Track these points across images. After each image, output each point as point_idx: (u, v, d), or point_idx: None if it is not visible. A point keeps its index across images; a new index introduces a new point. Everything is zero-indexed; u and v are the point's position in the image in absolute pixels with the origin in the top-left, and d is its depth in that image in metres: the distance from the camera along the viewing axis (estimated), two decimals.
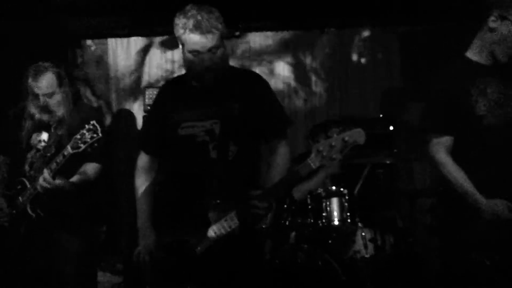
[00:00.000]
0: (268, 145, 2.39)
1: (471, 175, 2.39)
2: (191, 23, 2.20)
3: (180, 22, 2.24)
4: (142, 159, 2.51)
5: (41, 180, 2.80)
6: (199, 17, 2.20)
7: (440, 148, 2.43)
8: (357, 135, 2.00)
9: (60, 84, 3.00)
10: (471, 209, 2.36)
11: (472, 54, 2.50)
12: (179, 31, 2.26)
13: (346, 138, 1.99)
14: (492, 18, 2.40)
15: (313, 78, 5.43)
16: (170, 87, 2.55)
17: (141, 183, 2.48)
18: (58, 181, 2.82)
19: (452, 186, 2.41)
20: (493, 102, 2.40)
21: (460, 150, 2.44)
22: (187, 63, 2.31)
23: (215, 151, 2.29)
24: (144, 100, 5.27)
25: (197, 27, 2.19)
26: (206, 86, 2.34)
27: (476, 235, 2.36)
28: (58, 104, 3.00)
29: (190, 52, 2.26)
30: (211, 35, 2.21)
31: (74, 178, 2.93)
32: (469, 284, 2.36)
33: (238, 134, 2.31)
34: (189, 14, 2.22)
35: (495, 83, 2.42)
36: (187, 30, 2.21)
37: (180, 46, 2.32)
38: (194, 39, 2.21)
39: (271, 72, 5.44)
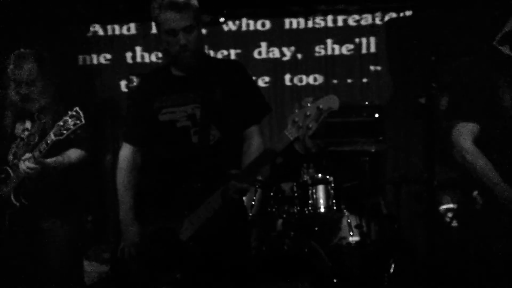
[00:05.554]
0: (245, 132, 2.38)
1: (495, 165, 2.31)
2: (167, 0, 2.24)
3: (156, 2, 2.27)
4: (125, 150, 2.46)
5: (22, 165, 2.77)
6: None
7: (466, 134, 2.35)
8: (331, 102, 1.94)
9: (43, 71, 2.93)
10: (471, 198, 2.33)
11: (499, 44, 2.39)
12: (155, 12, 2.27)
13: (321, 106, 1.93)
14: None
15: (299, 65, 5.42)
16: (151, 76, 2.54)
17: (123, 175, 2.43)
18: (35, 162, 2.77)
19: (474, 173, 2.33)
20: None
21: (486, 139, 2.36)
22: (164, 45, 2.32)
23: (196, 136, 2.28)
24: (129, 87, 5.26)
25: (172, 4, 2.23)
26: (185, 68, 2.34)
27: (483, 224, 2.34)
28: (40, 92, 2.93)
29: (166, 32, 2.27)
30: (186, 12, 2.23)
31: (53, 158, 2.88)
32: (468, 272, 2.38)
33: (220, 118, 2.30)
34: None
35: None
36: (163, 9, 2.24)
37: (158, 30, 2.32)
38: (169, 16, 2.23)
39: (256, 58, 5.43)
